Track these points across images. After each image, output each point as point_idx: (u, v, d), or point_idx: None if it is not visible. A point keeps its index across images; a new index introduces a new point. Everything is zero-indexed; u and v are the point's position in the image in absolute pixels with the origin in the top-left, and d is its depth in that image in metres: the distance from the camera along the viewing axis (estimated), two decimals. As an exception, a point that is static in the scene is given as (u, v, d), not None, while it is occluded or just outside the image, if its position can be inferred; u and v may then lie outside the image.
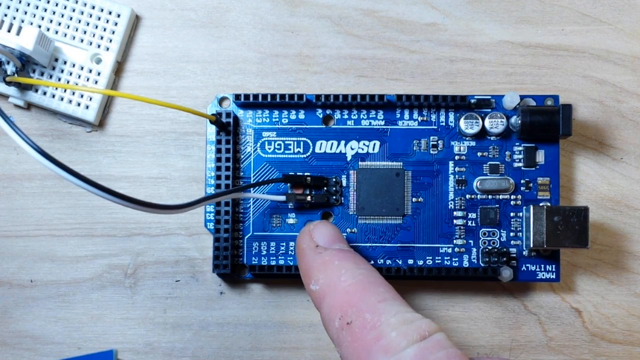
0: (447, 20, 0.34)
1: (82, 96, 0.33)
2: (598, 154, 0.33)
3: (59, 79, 0.32)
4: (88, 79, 0.33)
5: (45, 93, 0.33)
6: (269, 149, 0.33)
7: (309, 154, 0.33)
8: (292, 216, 0.32)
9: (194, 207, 0.28)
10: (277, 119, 0.33)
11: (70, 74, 0.33)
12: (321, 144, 0.33)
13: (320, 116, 0.33)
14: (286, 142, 0.33)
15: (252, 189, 0.32)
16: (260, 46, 0.34)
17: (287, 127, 0.33)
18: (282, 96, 0.32)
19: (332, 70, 0.34)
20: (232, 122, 0.32)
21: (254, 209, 0.32)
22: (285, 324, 0.33)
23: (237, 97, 0.32)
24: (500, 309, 0.33)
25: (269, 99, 0.32)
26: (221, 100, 0.33)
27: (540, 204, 0.31)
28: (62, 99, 0.33)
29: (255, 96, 0.32)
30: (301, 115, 0.33)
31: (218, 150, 0.32)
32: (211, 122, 0.32)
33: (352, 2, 0.34)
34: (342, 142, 0.33)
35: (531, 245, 0.31)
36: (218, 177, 0.32)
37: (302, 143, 0.33)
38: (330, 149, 0.33)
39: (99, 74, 0.33)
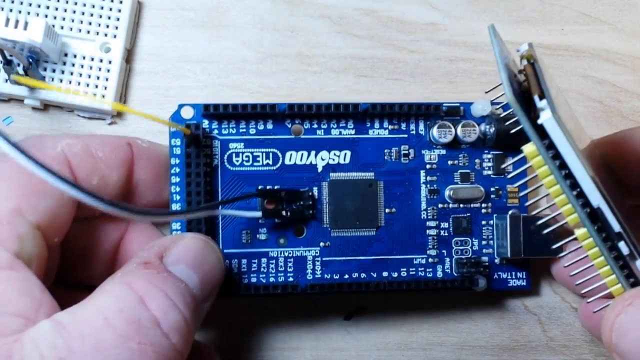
0: (447, 20, 0.34)
1: (96, 87, 0.32)
2: (598, 153, 0.33)
3: (71, 73, 0.32)
4: (100, 69, 0.32)
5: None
6: (237, 161, 0.30)
7: (278, 165, 0.31)
8: (264, 232, 0.30)
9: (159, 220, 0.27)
10: (244, 130, 0.31)
11: (82, 66, 0.32)
12: (291, 154, 0.31)
13: (289, 126, 0.31)
14: (254, 154, 0.31)
15: (223, 205, 0.30)
16: (260, 46, 0.34)
17: (255, 138, 0.31)
18: (254, 106, 0.30)
19: (332, 70, 0.34)
20: (202, 135, 0.29)
21: (223, 225, 0.30)
22: (285, 324, 0.33)
23: (207, 107, 0.29)
24: (501, 309, 0.33)
25: (239, 110, 0.30)
26: (182, 110, 0.30)
27: (510, 212, 0.31)
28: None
29: (226, 106, 0.29)
30: (269, 126, 0.31)
31: (187, 165, 0.29)
32: (185, 136, 0.29)
33: (352, 2, 0.34)
34: (313, 153, 0.31)
35: (509, 255, 0.30)
36: (189, 194, 0.29)
37: (271, 154, 0.31)
38: (301, 160, 0.31)
39: (110, 62, 0.32)
